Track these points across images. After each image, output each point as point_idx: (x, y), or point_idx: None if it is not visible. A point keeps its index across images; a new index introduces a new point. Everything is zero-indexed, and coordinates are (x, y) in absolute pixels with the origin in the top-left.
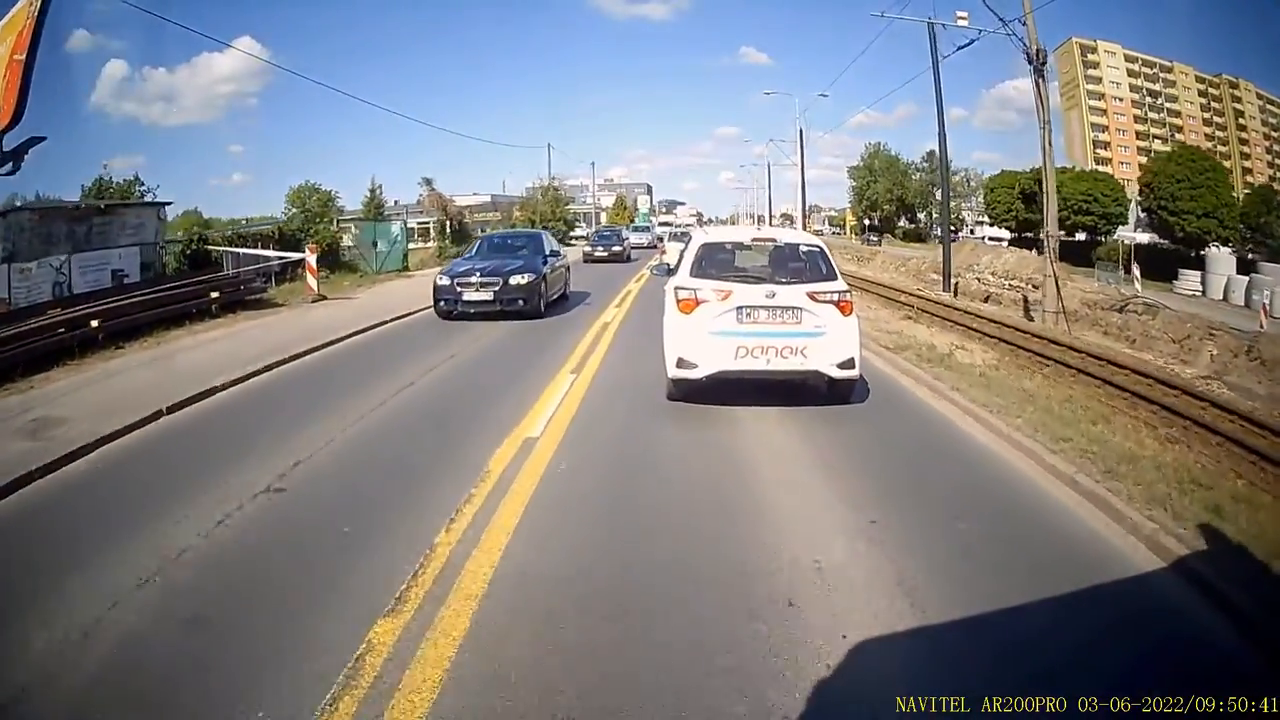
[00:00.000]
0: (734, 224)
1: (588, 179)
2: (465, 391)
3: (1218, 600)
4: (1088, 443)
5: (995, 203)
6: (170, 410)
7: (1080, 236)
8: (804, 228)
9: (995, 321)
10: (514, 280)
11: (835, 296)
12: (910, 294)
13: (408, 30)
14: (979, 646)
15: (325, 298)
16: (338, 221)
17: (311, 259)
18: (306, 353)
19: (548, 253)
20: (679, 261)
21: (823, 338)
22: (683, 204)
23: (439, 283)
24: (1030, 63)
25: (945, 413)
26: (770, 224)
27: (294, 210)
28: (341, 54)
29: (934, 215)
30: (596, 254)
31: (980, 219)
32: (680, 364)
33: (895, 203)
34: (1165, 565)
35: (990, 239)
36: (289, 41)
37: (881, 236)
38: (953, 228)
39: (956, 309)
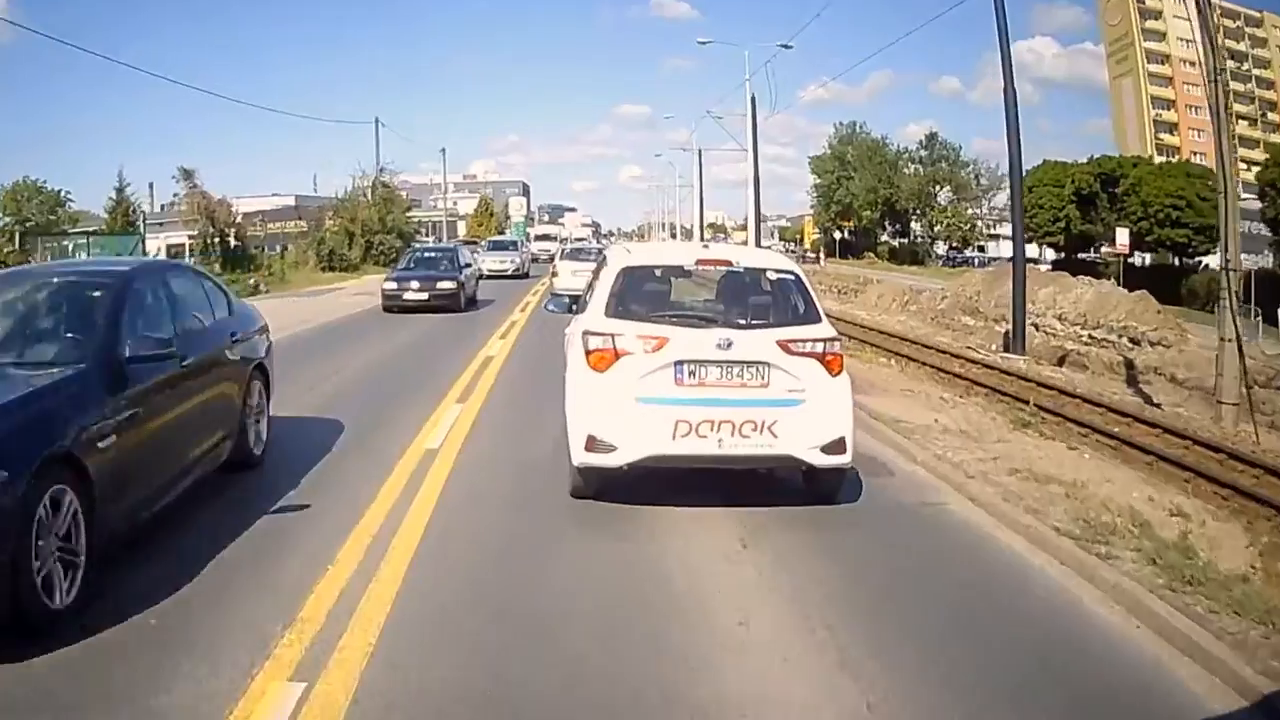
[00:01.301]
0: (644, 238)
1: (439, 175)
2: None
3: None
4: None
5: (1035, 208)
6: None
7: (1146, 257)
8: (756, 242)
9: (1151, 425)
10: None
11: (820, 347)
12: (977, 363)
13: None
14: None
15: None
16: (18, 238)
17: None
18: None
19: (185, 328)
20: (588, 293)
21: (800, 407)
22: (571, 210)
23: None
24: None
25: None
26: (704, 238)
27: (6, 218)
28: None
29: (935, 226)
30: (406, 297)
31: (994, 229)
32: (591, 445)
33: (880, 207)
34: None
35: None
36: None
37: (820, 254)
38: (959, 244)
39: (1082, 400)
